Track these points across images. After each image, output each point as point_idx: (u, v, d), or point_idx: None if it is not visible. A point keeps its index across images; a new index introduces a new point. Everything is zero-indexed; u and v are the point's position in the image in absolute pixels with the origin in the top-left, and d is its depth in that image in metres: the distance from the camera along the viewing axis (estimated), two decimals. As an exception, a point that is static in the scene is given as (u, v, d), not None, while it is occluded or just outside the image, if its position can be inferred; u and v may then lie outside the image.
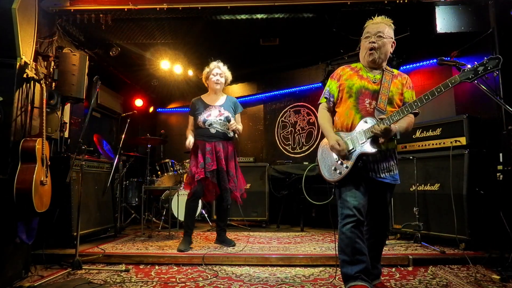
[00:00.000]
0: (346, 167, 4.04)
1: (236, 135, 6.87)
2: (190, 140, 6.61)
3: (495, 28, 6.66)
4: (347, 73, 4.36)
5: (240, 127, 6.92)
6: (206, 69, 7.01)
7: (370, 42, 4.19)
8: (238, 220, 9.34)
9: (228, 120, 6.73)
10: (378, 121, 3.97)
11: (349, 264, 3.86)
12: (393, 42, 4.31)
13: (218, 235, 7.07)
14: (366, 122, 4.03)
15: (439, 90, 3.75)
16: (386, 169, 4.12)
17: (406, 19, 7.21)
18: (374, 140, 3.97)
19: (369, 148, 3.95)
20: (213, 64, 6.95)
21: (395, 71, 4.34)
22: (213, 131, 6.65)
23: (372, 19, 4.33)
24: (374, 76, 4.25)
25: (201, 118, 6.70)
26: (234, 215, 9.08)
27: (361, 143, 3.99)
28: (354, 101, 4.16)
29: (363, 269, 3.81)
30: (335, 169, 4.13)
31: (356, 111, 4.13)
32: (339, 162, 4.11)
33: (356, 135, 4.04)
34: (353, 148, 4.03)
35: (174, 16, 7.54)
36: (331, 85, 4.42)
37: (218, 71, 6.89)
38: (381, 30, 4.18)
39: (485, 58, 3.58)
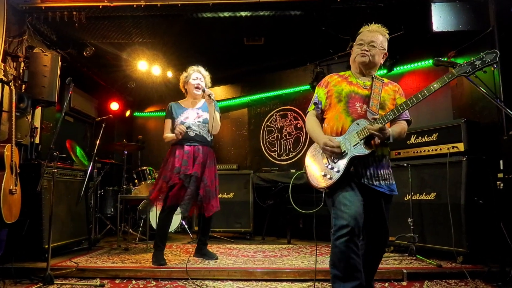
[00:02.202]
0: (338, 171, 3.94)
1: (212, 100, 6.57)
2: (180, 128, 6.46)
3: (495, 26, 6.67)
4: (335, 79, 4.39)
5: (218, 123, 6.79)
6: (184, 74, 6.92)
7: (362, 50, 4.23)
8: (220, 231, 9.28)
9: (206, 122, 6.66)
10: (371, 121, 3.93)
11: (342, 280, 3.76)
12: (385, 54, 4.36)
13: (199, 249, 6.96)
14: (358, 124, 3.98)
15: (435, 85, 3.76)
16: (381, 177, 4.05)
17: (400, 17, 7.21)
18: (367, 141, 3.91)
19: (362, 150, 3.88)
20: (192, 69, 6.87)
21: (385, 80, 4.36)
22: (192, 134, 6.56)
23: (368, 26, 4.36)
24: (364, 82, 4.27)
25: (179, 121, 6.61)
26: (216, 227, 9.04)
27: (354, 145, 3.92)
28: (344, 105, 4.15)
29: (356, 286, 3.72)
30: (325, 175, 4.04)
31: (346, 115, 4.11)
32: (329, 166, 4.03)
33: (348, 137, 3.99)
34: (344, 151, 3.96)
35: (152, 14, 7.53)
36: (319, 92, 4.44)
37: (198, 75, 6.81)
38: (375, 40, 4.24)
39: (481, 53, 3.60)
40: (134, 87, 12.17)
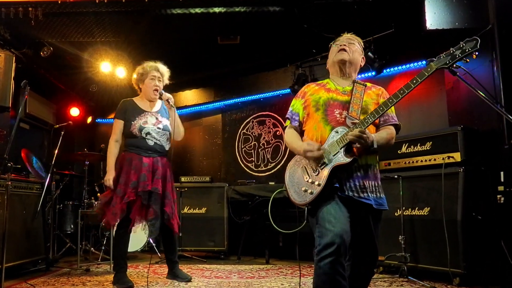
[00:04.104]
0: (319, 184, 3.88)
1: (171, 104, 6.54)
2: (113, 176, 6.32)
3: (495, 24, 6.65)
4: (312, 88, 4.44)
5: (181, 128, 6.76)
6: (140, 70, 6.79)
7: (341, 45, 4.33)
8: (192, 250, 9.21)
9: (167, 129, 6.59)
10: (351, 128, 3.90)
11: (326, 305, 3.71)
12: (363, 58, 4.48)
13: (170, 269, 6.85)
14: (337, 132, 3.96)
15: (415, 81, 3.76)
16: (368, 189, 4.01)
17: (390, 14, 7.21)
18: (348, 149, 3.87)
19: (343, 158, 3.83)
20: (150, 65, 6.74)
21: (368, 84, 4.37)
22: (151, 143, 6.44)
23: (342, 35, 4.51)
24: (343, 87, 4.28)
25: (136, 124, 6.45)
26: (187, 245, 8.98)
27: (334, 155, 3.88)
28: (322, 113, 4.16)
29: (342, 311, 3.66)
30: (306, 190, 3.99)
31: (325, 123, 4.11)
32: (310, 181, 3.98)
33: (327, 147, 3.94)
34: (325, 162, 3.92)
35: (116, 10, 7.50)
36: (295, 104, 4.49)
37: (157, 74, 6.70)
38: (352, 41, 4.38)
39: (461, 42, 3.70)
40: (97, 91, 12.11)
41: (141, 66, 6.77)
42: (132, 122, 6.45)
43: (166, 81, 6.84)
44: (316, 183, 3.91)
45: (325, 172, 3.88)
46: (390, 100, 3.82)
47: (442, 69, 3.69)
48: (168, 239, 6.75)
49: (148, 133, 6.42)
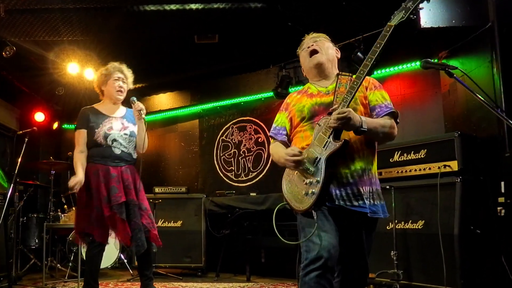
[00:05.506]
0: (317, 181, 3.83)
1: (143, 116, 6.43)
2: (79, 179, 6.14)
3: (495, 21, 6.67)
4: (294, 98, 4.48)
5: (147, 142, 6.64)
6: (102, 71, 6.65)
7: (308, 47, 4.38)
8: (167, 267, 9.16)
9: (134, 135, 6.49)
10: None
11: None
12: (336, 49, 4.54)
13: (144, 286, 6.70)
14: (319, 124, 3.98)
15: (378, 45, 3.87)
16: (364, 196, 3.97)
17: (381, 10, 7.16)
18: (336, 135, 3.85)
19: (333, 145, 3.81)
20: (114, 66, 6.64)
21: (354, 76, 4.22)
22: (117, 151, 6.30)
23: (304, 38, 4.60)
24: (326, 88, 4.29)
25: (101, 131, 6.31)
26: (162, 261, 8.94)
27: (324, 146, 3.87)
28: (308, 122, 4.18)
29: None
30: (306, 193, 3.93)
31: (312, 132, 4.09)
32: (308, 181, 3.94)
33: (315, 142, 3.95)
34: (317, 157, 3.89)
35: (84, 6, 7.51)
36: (280, 118, 4.52)
37: (120, 75, 6.59)
38: (315, 36, 4.48)
39: None
40: (63, 94, 12.03)
41: (104, 68, 6.64)
42: (96, 130, 6.31)
43: (130, 85, 6.75)
44: (315, 180, 3.86)
45: (320, 166, 3.85)
46: (361, 72, 3.85)
47: (400, 22, 3.83)
48: (144, 252, 6.46)
49: (114, 140, 6.29)
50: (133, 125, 6.50)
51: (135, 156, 6.50)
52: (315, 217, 3.87)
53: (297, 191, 4.07)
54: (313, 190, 3.86)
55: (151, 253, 6.56)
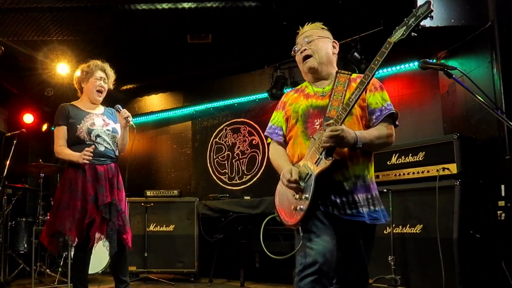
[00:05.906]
0: (306, 198, 3.82)
1: (130, 123, 6.41)
2: (79, 153, 6.05)
3: (495, 21, 6.67)
4: (291, 97, 4.43)
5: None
6: (84, 68, 6.56)
7: (301, 52, 4.28)
8: (159, 272, 9.13)
9: (116, 132, 6.42)
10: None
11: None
12: (334, 42, 4.38)
13: None
14: (314, 139, 3.92)
15: (376, 62, 3.78)
16: (359, 203, 3.92)
17: (379, 9, 7.16)
18: (328, 152, 3.80)
19: (323, 163, 3.78)
20: (96, 64, 6.55)
21: (354, 74, 4.24)
22: (101, 148, 6.20)
23: (298, 36, 4.45)
24: (323, 89, 4.23)
25: (83, 127, 6.20)
26: (154, 266, 8.92)
27: (316, 163, 3.84)
28: (301, 125, 4.14)
29: None
30: (295, 208, 3.94)
31: (305, 138, 4.08)
32: (297, 197, 3.93)
33: (308, 157, 3.92)
34: (308, 173, 3.87)
35: (74, 5, 7.49)
36: (276, 117, 4.49)
37: (102, 74, 6.53)
38: (308, 34, 4.30)
39: (413, 9, 3.78)
40: (53, 95, 11.94)
41: (86, 64, 6.54)
42: (78, 126, 6.18)
43: (111, 86, 6.70)
44: (304, 197, 3.86)
45: (310, 183, 3.83)
46: (358, 89, 3.74)
47: (401, 39, 3.76)
48: (118, 256, 6.35)
49: (98, 136, 6.19)
50: (114, 122, 6.46)
51: (117, 153, 6.45)
52: (301, 234, 3.88)
53: (287, 204, 4.08)
54: (301, 206, 3.87)
55: (126, 257, 6.47)
